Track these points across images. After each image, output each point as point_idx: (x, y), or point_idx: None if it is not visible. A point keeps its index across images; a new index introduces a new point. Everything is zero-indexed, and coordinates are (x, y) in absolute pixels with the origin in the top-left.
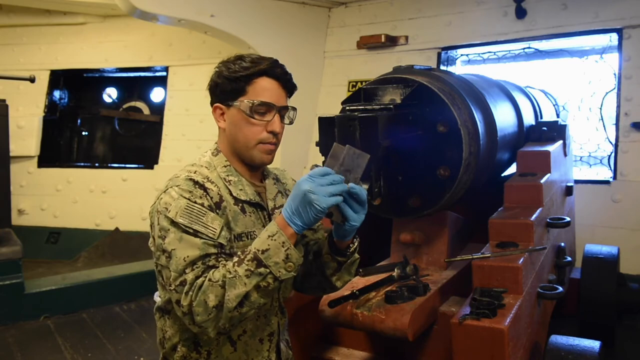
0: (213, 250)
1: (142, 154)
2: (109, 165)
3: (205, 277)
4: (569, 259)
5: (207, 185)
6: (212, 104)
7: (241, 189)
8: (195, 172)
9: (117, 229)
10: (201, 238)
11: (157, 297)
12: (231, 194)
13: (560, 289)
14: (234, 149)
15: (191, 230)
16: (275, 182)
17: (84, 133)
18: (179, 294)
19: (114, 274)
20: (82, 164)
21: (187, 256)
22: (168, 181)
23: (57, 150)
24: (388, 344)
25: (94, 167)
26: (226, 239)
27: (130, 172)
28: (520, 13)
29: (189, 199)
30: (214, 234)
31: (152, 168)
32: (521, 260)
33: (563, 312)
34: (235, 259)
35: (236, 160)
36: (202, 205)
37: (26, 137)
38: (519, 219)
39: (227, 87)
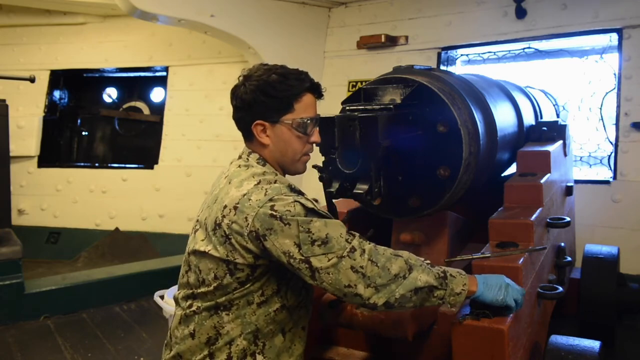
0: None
1: (142, 154)
2: (109, 165)
3: (370, 244)
4: (569, 259)
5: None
6: (247, 119)
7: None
8: (276, 182)
9: (117, 229)
10: (335, 221)
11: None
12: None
13: (560, 289)
14: (281, 163)
15: (326, 216)
16: None
17: (84, 133)
18: (352, 259)
19: (114, 274)
20: (82, 164)
21: (341, 233)
22: (261, 190)
23: (57, 150)
24: (388, 344)
25: (94, 167)
26: None
27: (130, 172)
28: (520, 13)
29: (302, 198)
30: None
31: (152, 168)
32: (521, 260)
33: (563, 312)
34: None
35: (279, 170)
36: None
37: (26, 137)
38: (519, 219)
39: (272, 104)
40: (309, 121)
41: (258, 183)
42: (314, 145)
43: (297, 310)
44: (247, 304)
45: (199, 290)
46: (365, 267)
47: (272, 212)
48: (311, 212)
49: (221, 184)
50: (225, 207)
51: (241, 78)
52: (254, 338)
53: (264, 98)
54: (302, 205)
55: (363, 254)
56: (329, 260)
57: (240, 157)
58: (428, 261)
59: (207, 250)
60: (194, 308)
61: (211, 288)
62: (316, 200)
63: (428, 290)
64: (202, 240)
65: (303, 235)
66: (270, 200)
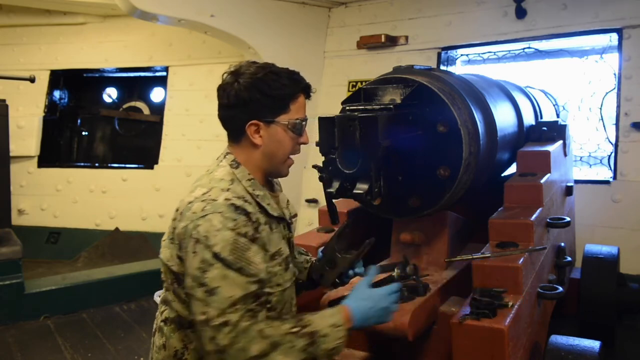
0: (254, 287)
1: (142, 154)
2: (109, 165)
3: (249, 322)
4: (569, 259)
5: (247, 207)
6: (241, 118)
7: (269, 204)
8: (229, 190)
9: (117, 229)
10: (245, 276)
11: (157, 298)
12: (264, 211)
13: (560, 289)
14: (269, 165)
15: (236, 268)
16: (279, 188)
17: (84, 133)
18: (217, 332)
19: (114, 274)
20: (82, 164)
21: (231, 296)
22: (202, 203)
23: (57, 150)
24: (388, 344)
25: (94, 167)
26: (266, 271)
27: (130, 172)
28: (520, 13)
29: (233, 230)
30: (256, 270)
31: (152, 168)
32: (521, 260)
33: (563, 312)
34: (291, 324)
35: (260, 173)
36: (246, 235)
37: (26, 137)
38: (519, 219)
39: (268, 102)
40: (303, 122)
41: (207, 192)
42: (302, 145)
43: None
44: None
45: (166, 295)
46: (225, 346)
47: (195, 231)
48: (218, 257)
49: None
50: (176, 210)
51: (229, 75)
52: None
53: (260, 96)
54: (223, 243)
55: (231, 331)
56: (200, 314)
57: (217, 159)
58: (303, 328)
59: (160, 253)
60: (162, 318)
61: (171, 297)
62: (316, 201)
63: None
64: (164, 240)
65: (197, 273)
66: (202, 217)
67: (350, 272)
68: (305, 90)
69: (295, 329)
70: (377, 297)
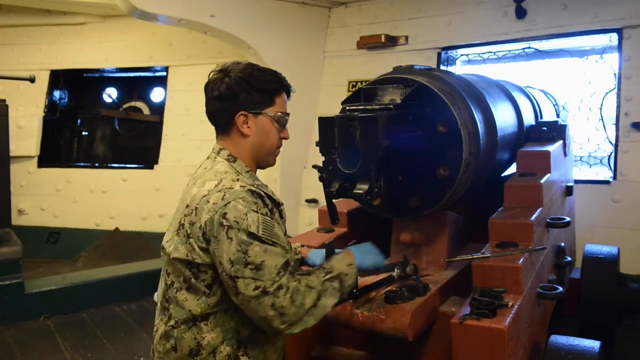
0: (288, 255)
1: (142, 154)
2: (109, 165)
3: (297, 281)
4: (569, 259)
5: (260, 192)
6: (230, 110)
7: (271, 192)
8: (238, 180)
9: (117, 229)
10: (280, 247)
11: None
12: (268, 197)
13: (560, 289)
14: (255, 155)
15: (270, 242)
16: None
17: (84, 133)
18: (276, 297)
19: (114, 274)
20: (82, 164)
21: (276, 265)
22: (219, 193)
23: (57, 150)
24: (388, 344)
25: (94, 167)
26: (287, 242)
27: (130, 172)
28: (520, 13)
29: (257, 212)
30: (284, 243)
31: (152, 168)
32: (521, 260)
33: (563, 312)
34: (322, 273)
35: (252, 164)
36: (266, 215)
37: (26, 137)
38: (519, 219)
39: (255, 96)
40: (287, 116)
41: (219, 183)
42: (283, 141)
43: None
44: (223, 312)
45: (171, 296)
46: (285, 307)
47: (223, 220)
48: (252, 235)
49: (189, 186)
50: (187, 206)
51: (217, 72)
52: (237, 343)
53: (249, 89)
54: (251, 222)
55: (287, 292)
56: (254, 290)
57: (209, 157)
58: (331, 273)
59: (170, 253)
60: (172, 323)
61: (182, 294)
62: (316, 201)
63: (331, 306)
64: (167, 242)
65: (239, 255)
66: (225, 206)
67: None
68: (287, 88)
69: (327, 276)
70: (370, 250)
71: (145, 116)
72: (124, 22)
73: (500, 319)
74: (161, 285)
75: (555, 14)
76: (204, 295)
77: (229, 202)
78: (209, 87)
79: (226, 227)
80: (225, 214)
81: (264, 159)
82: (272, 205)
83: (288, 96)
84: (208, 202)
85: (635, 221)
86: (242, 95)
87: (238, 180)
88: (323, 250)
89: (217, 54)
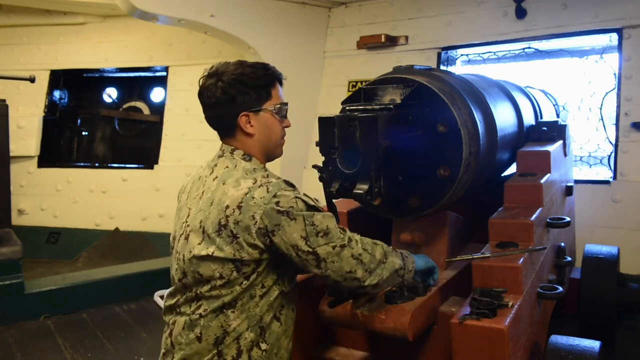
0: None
1: (142, 154)
2: (109, 165)
3: (356, 234)
4: (569, 259)
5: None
6: (231, 113)
7: None
8: (268, 176)
9: (117, 229)
10: (330, 216)
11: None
12: None
13: (560, 289)
14: (265, 150)
15: (323, 212)
16: None
17: (84, 133)
18: (350, 248)
19: (114, 274)
20: (82, 164)
21: (336, 226)
22: (262, 188)
23: (57, 150)
24: (388, 344)
25: (94, 167)
26: None
27: (130, 172)
28: (520, 13)
29: (298, 197)
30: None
31: (152, 168)
32: (521, 260)
33: (563, 312)
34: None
35: (264, 160)
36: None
37: (26, 137)
38: (519, 219)
39: (253, 93)
40: (285, 106)
41: (256, 181)
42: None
43: (291, 294)
44: (250, 298)
45: (203, 292)
46: (362, 254)
47: (278, 207)
48: (310, 207)
49: (211, 186)
50: (227, 207)
51: (208, 78)
52: (259, 329)
53: (245, 89)
54: (303, 200)
55: (357, 243)
56: (333, 249)
57: (221, 157)
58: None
59: (209, 253)
60: (200, 311)
61: (216, 288)
62: (317, 200)
63: (399, 269)
64: (199, 244)
65: (309, 229)
66: (274, 196)
67: None
68: (279, 78)
69: (390, 248)
70: (429, 262)
71: (145, 116)
72: (124, 22)
73: (500, 319)
74: (181, 285)
75: (555, 14)
76: (237, 285)
77: (276, 193)
78: (204, 94)
79: (285, 213)
80: (278, 202)
81: (272, 152)
82: None
83: (281, 85)
84: (253, 197)
85: (635, 221)
86: (239, 97)
87: (268, 176)
88: None
89: (217, 54)
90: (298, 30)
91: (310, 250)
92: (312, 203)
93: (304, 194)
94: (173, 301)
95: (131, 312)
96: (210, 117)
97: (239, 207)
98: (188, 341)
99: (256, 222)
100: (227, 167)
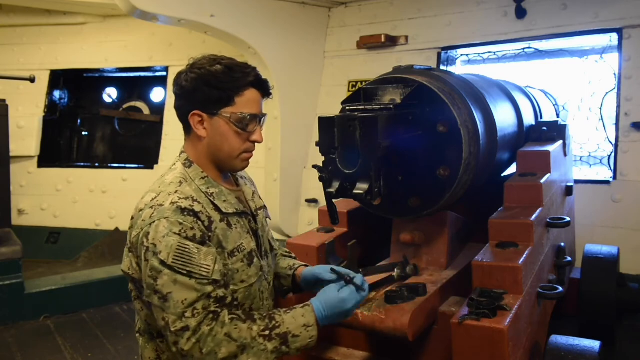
0: (209, 288)
1: (142, 154)
2: (109, 165)
3: (211, 326)
4: (569, 259)
5: (196, 207)
6: (185, 109)
7: (225, 200)
8: (176, 192)
9: (117, 229)
10: (196, 279)
11: None
12: (217, 210)
13: (560, 289)
14: (215, 158)
15: (185, 272)
16: (245, 181)
17: (84, 133)
18: (178, 337)
19: (114, 274)
20: (82, 164)
21: (185, 299)
22: (150, 209)
23: (57, 150)
24: (388, 344)
25: (94, 167)
26: (220, 272)
27: (130, 172)
28: (520, 13)
29: (179, 235)
30: (207, 272)
31: (152, 168)
32: (521, 260)
33: (563, 312)
34: (264, 324)
35: (212, 168)
36: (194, 237)
37: (26, 137)
38: (519, 219)
39: (212, 95)
40: (249, 117)
41: (155, 197)
42: (255, 144)
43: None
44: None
45: (135, 306)
46: (187, 351)
47: (145, 239)
48: (162, 263)
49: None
50: (132, 218)
51: (186, 67)
52: None
53: (204, 88)
54: (167, 245)
55: (192, 336)
56: (162, 320)
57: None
58: (275, 329)
59: (125, 269)
60: (137, 328)
61: (138, 305)
62: (316, 201)
63: None
64: (125, 257)
65: (150, 281)
66: (150, 225)
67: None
68: (257, 85)
69: (266, 332)
70: (343, 301)
71: (145, 116)
72: (124, 22)
73: (500, 319)
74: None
75: (555, 14)
76: (150, 311)
77: (154, 222)
78: (173, 82)
79: (145, 248)
80: (148, 234)
81: (227, 164)
82: (218, 219)
83: (265, 93)
84: (140, 217)
85: (635, 221)
86: (198, 94)
87: (176, 192)
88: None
89: (217, 54)
90: (298, 30)
91: (148, 300)
92: (167, 257)
93: (184, 239)
94: None
95: (131, 312)
96: (174, 107)
97: (133, 219)
98: (139, 354)
99: (133, 242)
100: (170, 168)
